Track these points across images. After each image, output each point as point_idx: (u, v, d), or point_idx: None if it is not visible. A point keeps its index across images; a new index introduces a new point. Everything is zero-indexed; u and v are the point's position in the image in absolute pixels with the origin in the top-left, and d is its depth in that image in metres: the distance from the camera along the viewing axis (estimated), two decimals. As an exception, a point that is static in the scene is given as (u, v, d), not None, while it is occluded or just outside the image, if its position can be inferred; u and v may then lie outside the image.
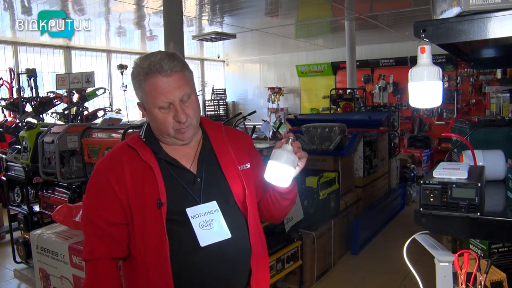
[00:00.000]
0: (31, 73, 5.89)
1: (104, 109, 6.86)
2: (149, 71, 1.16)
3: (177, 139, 1.24)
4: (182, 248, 1.20)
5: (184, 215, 1.20)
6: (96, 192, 1.26)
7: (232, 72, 13.29)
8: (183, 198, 1.22)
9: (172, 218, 1.20)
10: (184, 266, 1.21)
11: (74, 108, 5.95)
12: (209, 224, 1.21)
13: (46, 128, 3.73)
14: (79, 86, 5.13)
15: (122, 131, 3.11)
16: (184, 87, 1.19)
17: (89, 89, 5.86)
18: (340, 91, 8.73)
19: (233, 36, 8.33)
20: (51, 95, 5.99)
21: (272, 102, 11.67)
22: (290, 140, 1.17)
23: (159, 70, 1.15)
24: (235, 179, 1.28)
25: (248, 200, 1.27)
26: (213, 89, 12.20)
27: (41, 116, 5.76)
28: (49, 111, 6.04)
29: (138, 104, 1.27)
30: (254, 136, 6.09)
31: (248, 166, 1.32)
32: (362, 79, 10.06)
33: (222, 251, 1.22)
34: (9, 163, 4.18)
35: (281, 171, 1.15)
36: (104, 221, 1.23)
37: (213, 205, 1.23)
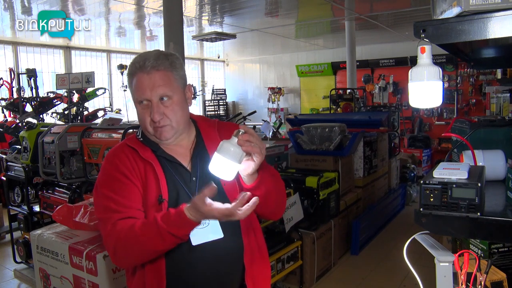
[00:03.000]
0: (31, 73, 5.90)
1: (104, 109, 6.86)
2: (134, 68, 1.22)
3: (156, 137, 1.26)
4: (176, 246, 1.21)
5: None
6: (112, 185, 1.22)
7: (232, 72, 13.29)
8: (180, 196, 1.24)
9: None
10: (177, 263, 1.22)
11: (74, 108, 5.96)
12: (203, 223, 1.21)
13: (46, 128, 3.74)
14: (79, 86, 5.14)
15: (122, 131, 3.12)
16: (164, 87, 1.20)
17: (89, 89, 5.86)
18: (340, 91, 8.72)
19: (233, 36, 8.32)
20: (51, 95, 6.00)
21: (272, 102, 11.67)
22: (240, 132, 1.10)
23: (141, 67, 1.20)
24: None
25: None
26: (213, 89, 12.20)
27: (41, 116, 5.77)
28: (49, 111, 6.04)
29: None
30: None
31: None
32: (362, 79, 10.05)
33: (214, 249, 1.23)
34: (9, 163, 4.18)
35: (223, 164, 1.08)
36: (126, 206, 1.20)
37: None
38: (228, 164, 1.08)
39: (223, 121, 1.45)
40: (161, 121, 1.21)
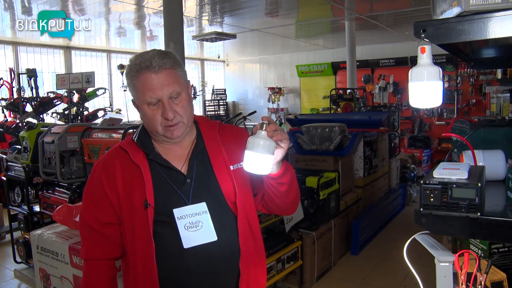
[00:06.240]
0: (31, 73, 5.89)
1: (104, 109, 6.85)
2: (139, 68, 1.18)
3: (166, 137, 1.24)
4: (167, 249, 1.21)
5: (171, 217, 1.21)
6: (90, 193, 1.32)
7: (232, 72, 13.29)
8: (172, 199, 1.22)
9: (160, 219, 1.21)
10: (169, 267, 1.21)
11: (74, 108, 5.95)
12: (195, 225, 1.21)
13: (46, 128, 3.74)
14: (79, 86, 5.13)
15: (122, 131, 3.12)
16: (173, 84, 1.20)
17: (89, 89, 5.85)
18: (340, 91, 8.72)
19: (233, 36, 8.32)
20: (51, 95, 5.99)
21: (272, 102, 11.68)
22: (265, 124, 1.10)
23: (148, 67, 1.17)
24: (226, 180, 1.26)
25: (239, 201, 1.25)
26: (213, 89, 12.20)
27: (41, 116, 5.76)
28: (49, 111, 6.03)
29: (132, 101, 1.29)
30: (254, 136, 6.07)
31: (242, 164, 1.29)
32: (362, 79, 10.06)
33: (207, 253, 1.21)
34: (9, 163, 4.18)
35: (258, 159, 1.08)
36: (97, 222, 1.28)
37: (202, 206, 1.22)
38: (264, 158, 1.08)
39: (225, 124, 1.42)
40: (174, 119, 1.20)
